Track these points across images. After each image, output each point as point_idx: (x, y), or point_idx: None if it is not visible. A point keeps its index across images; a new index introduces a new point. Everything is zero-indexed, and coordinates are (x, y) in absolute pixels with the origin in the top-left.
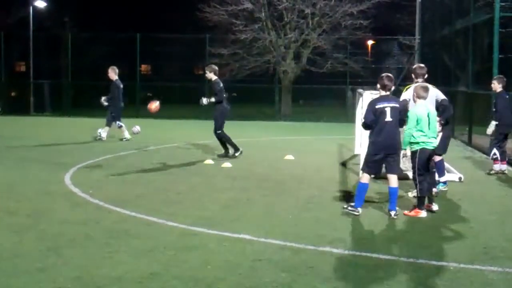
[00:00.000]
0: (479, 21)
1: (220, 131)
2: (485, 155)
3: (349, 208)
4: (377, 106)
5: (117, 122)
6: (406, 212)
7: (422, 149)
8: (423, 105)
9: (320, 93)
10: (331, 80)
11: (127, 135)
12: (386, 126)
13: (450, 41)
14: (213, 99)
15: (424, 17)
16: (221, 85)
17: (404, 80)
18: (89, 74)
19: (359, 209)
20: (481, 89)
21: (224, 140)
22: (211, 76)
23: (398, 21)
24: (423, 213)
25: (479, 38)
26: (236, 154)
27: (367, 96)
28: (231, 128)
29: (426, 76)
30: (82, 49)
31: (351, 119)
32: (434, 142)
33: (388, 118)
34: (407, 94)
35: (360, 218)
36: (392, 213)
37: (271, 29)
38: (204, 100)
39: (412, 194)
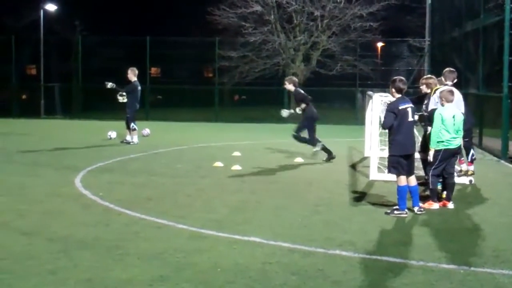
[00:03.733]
0: (489, 23)
1: (296, 134)
2: (496, 157)
3: (395, 212)
4: (400, 107)
5: (132, 124)
6: (421, 204)
7: (446, 149)
8: (450, 108)
9: (329, 95)
10: (341, 82)
11: (136, 139)
12: (409, 126)
13: (460, 43)
14: (298, 109)
15: (434, 19)
16: (302, 91)
17: (413, 82)
18: (99, 77)
19: (406, 210)
20: (492, 91)
21: (300, 140)
22: (290, 87)
23: (408, 23)
24: (435, 205)
25: (490, 40)
26: (317, 149)
27: (377, 98)
28: (241, 131)
29: (455, 80)
30: (92, 52)
31: (360, 121)
32: (458, 142)
33: (410, 118)
34: (436, 96)
35: (370, 220)
36: (416, 208)
37: (280, 31)
38: (284, 113)
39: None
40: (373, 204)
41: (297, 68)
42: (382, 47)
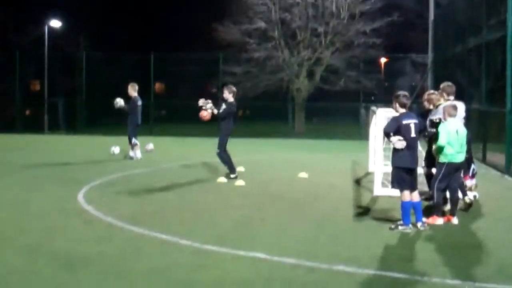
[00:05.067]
0: (492, 39)
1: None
2: (500, 172)
3: (399, 227)
4: (404, 122)
5: (133, 140)
6: (425, 219)
7: (450, 163)
8: (453, 122)
9: (333, 111)
10: (345, 98)
11: (139, 154)
12: (412, 141)
13: (463, 59)
14: (211, 106)
15: (436, 35)
16: (234, 110)
17: (417, 98)
18: (103, 93)
19: (410, 225)
20: (495, 106)
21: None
22: (229, 97)
23: (411, 39)
24: (439, 220)
25: (492, 55)
26: (231, 176)
27: (380, 114)
28: (245, 146)
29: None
30: (96, 69)
31: (364, 136)
32: (462, 157)
33: (413, 134)
34: (440, 111)
35: (374, 236)
36: (419, 224)
37: (284, 47)
38: (201, 101)
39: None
40: (378, 219)
41: (301, 83)
42: (385, 63)
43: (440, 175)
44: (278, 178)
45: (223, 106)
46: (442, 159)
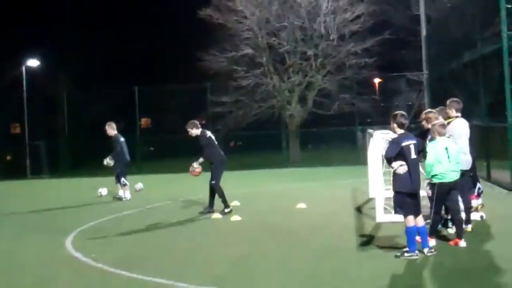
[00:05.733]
0: (487, 52)
1: (216, 182)
2: (505, 190)
3: (405, 254)
4: (403, 144)
5: (122, 179)
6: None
7: (440, 183)
8: (442, 141)
9: (329, 136)
10: (340, 122)
11: (128, 194)
12: (413, 163)
13: (459, 74)
14: (200, 160)
15: (430, 51)
16: (208, 135)
17: (414, 117)
18: (87, 132)
19: (416, 251)
20: (496, 121)
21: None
22: (195, 132)
23: (404, 57)
24: (432, 242)
25: (489, 69)
26: (226, 211)
27: (378, 136)
28: (238, 179)
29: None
30: (79, 107)
31: (363, 161)
32: (455, 176)
33: (413, 155)
34: (450, 128)
35: (380, 266)
36: (426, 250)
37: (273, 73)
38: (195, 164)
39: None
40: (382, 247)
41: (293, 109)
42: (379, 83)
43: (434, 197)
44: (275, 210)
45: (201, 142)
46: (433, 179)
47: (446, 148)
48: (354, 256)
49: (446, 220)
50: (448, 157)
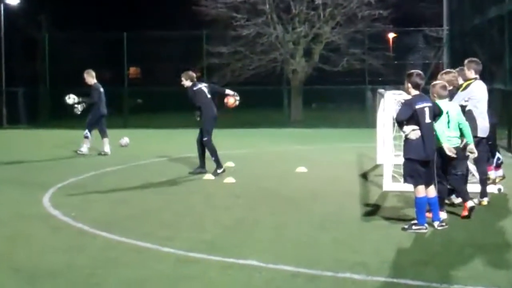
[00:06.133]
0: None
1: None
2: None
3: (413, 227)
4: (417, 106)
5: (86, 131)
6: (427, 215)
7: (440, 148)
8: (442, 104)
9: (335, 95)
10: (348, 80)
11: (85, 149)
12: (427, 128)
13: (483, 32)
14: (198, 113)
15: (452, 5)
16: (195, 88)
17: (431, 77)
18: (69, 80)
19: (425, 224)
20: None
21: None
22: (187, 83)
23: (423, 11)
24: (443, 214)
25: None
26: (218, 171)
27: (389, 97)
28: (234, 138)
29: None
30: (61, 52)
31: (371, 124)
32: (455, 142)
33: (428, 119)
34: (467, 92)
35: (385, 238)
36: (436, 223)
37: (277, 23)
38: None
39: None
40: (388, 218)
41: (297, 64)
42: (394, 38)
43: (435, 164)
44: (273, 174)
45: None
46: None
47: (447, 112)
48: (357, 226)
49: (451, 191)
50: (448, 122)
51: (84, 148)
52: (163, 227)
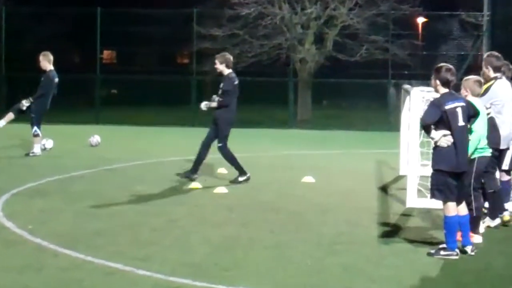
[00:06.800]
0: None
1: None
2: None
3: (442, 252)
4: (447, 107)
5: (35, 128)
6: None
7: (481, 157)
8: (478, 102)
9: (351, 90)
10: (367, 72)
11: (38, 149)
12: (459, 132)
13: None
14: (214, 103)
15: None
16: (235, 83)
17: (467, 71)
18: (30, 63)
19: (457, 250)
20: None
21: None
22: (222, 68)
23: None
24: (477, 238)
25: None
26: (240, 179)
27: (416, 94)
28: (230, 137)
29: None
30: (21, 31)
31: (394, 126)
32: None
33: (461, 122)
34: (488, 97)
35: (406, 264)
36: (469, 248)
37: (283, 1)
38: (203, 105)
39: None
40: (411, 241)
41: (307, 52)
42: (424, 23)
43: (474, 176)
44: (273, 184)
45: (221, 84)
46: (473, 153)
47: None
48: (374, 249)
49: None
50: (488, 124)
51: (37, 148)
52: (140, 245)
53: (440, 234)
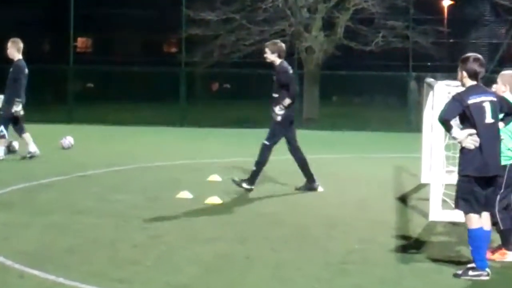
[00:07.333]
0: None
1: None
2: None
3: (470, 273)
4: (470, 101)
5: (1, 128)
6: (489, 255)
7: None
8: None
9: (365, 84)
10: (384, 63)
11: (1, 152)
12: (486, 131)
13: None
14: (287, 100)
15: None
16: (291, 72)
17: (501, 63)
18: None
19: (487, 269)
20: None
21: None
22: (274, 58)
23: None
24: (509, 256)
25: None
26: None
27: (441, 89)
28: (222, 140)
29: None
30: None
31: (415, 126)
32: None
33: (488, 119)
34: None
35: (425, 285)
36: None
37: None
38: (277, 109)
39: None
40: (435, 260)
41: (314, 39)
42: (449, 7)
43: (504, 184)
44: (274, 193)
45: (274, 78)
46: (504, 159)
47: None
48: (391, 270)
49: None
50: None
51: (0, 151)
52: (118, 264)
53: (468, 252)
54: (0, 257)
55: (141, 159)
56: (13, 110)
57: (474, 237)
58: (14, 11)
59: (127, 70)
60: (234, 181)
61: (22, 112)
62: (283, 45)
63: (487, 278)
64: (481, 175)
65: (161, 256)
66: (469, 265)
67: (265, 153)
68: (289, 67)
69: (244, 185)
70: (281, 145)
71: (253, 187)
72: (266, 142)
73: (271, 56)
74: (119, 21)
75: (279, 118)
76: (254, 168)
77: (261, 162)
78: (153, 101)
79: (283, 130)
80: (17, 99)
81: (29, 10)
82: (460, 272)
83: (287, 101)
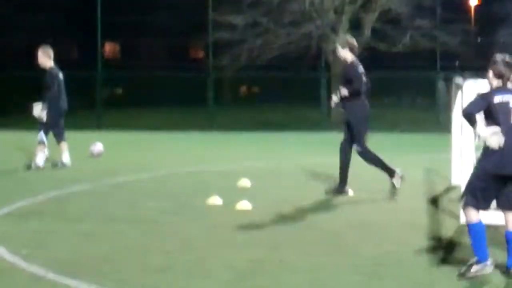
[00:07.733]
0: None
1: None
2: None
3: (472, 270)
4: (496, 100)
5: (41, 134)
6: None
7: None
8: None
9: (393, 85)
10: (412, 64)
11: (40, 160)
12: (511, 132)
13: None
14: (344, 91)
15: None
16: (361, 71)
17: None
18: (18, 61)
19: (488, 262)
20: None
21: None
22: (346, 55)
23: None
24: None
25: None
26: (395, 182)
27: (470, 89)
28: (252, 144)
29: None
30: (6, 21)
31: (445, 127)
32: None
33: None
34: None
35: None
36: None
37: None
38: (335, 98)
39: None
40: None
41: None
42: (477, 6)
43: None
44: (306, 197)
45: (342, 73)
46: None
47: None
48: (423, 273)
49: None
50: None
51: (40, 159)
52: (151, 271)
53: (502, 255)
54: (33, 266)
55: (170, 165)
56: (37, 115)
57: (473, 232)
58: (40, 18)
59: (155, 75)
60: (393, 187)
61: (45, 119)
62: (354, 40)
63: (490, 271)
64: (498, 172)
65: (194, 262)
66: (470, 262)
67: (367, 156)
68: (360, 66)
69: (392, 191)
70: (309, 149)
71: (400, 174)
72: (359, 148)
73: (343, 53)
74: (146, 27)
75: (335, 99)
76: (381, 170)
77: (377, 161)
78: (181, 106)
79: (363, 124)
80: (44, 106)
81: (55, 17)
82: (463, 270)
83: (344, 90)
